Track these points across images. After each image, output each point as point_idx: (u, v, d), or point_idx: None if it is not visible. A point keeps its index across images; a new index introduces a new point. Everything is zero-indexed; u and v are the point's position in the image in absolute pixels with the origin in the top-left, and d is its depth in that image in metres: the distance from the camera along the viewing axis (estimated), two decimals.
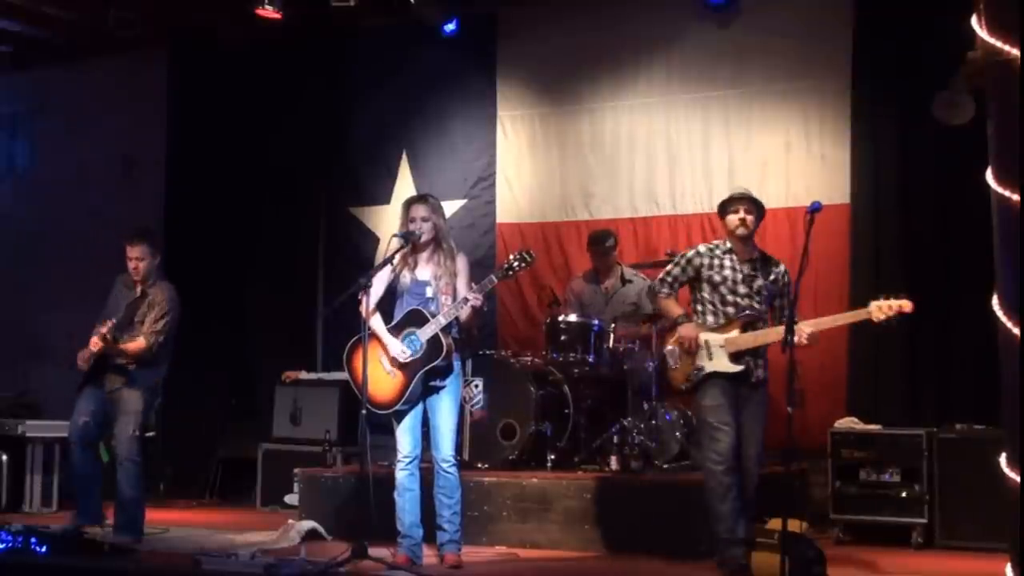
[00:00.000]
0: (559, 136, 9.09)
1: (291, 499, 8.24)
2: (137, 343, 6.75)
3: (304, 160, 9.92)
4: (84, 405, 6.86)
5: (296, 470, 7.99)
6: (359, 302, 5.84)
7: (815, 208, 5.32)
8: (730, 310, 5.85)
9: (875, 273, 7.80)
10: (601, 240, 7.98)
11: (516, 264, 5.93)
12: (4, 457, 8.60)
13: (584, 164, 8.96)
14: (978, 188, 4.61)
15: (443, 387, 5.94)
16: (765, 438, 5.83)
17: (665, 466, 7.21)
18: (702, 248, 6.01)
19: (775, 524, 5.23)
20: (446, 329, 5.86)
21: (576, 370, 7.53)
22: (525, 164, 9.21)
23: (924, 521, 6.92)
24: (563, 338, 7.52)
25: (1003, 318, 4.33)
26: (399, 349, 5.85)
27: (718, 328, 5.84)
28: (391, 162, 9.66)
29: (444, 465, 5.91)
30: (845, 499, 7.13)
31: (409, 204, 6.06)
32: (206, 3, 9.41)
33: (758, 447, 5.79)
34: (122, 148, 10.54)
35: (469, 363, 7.52)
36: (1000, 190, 4.37)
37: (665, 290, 6.02)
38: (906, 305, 5.49)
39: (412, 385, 5.85)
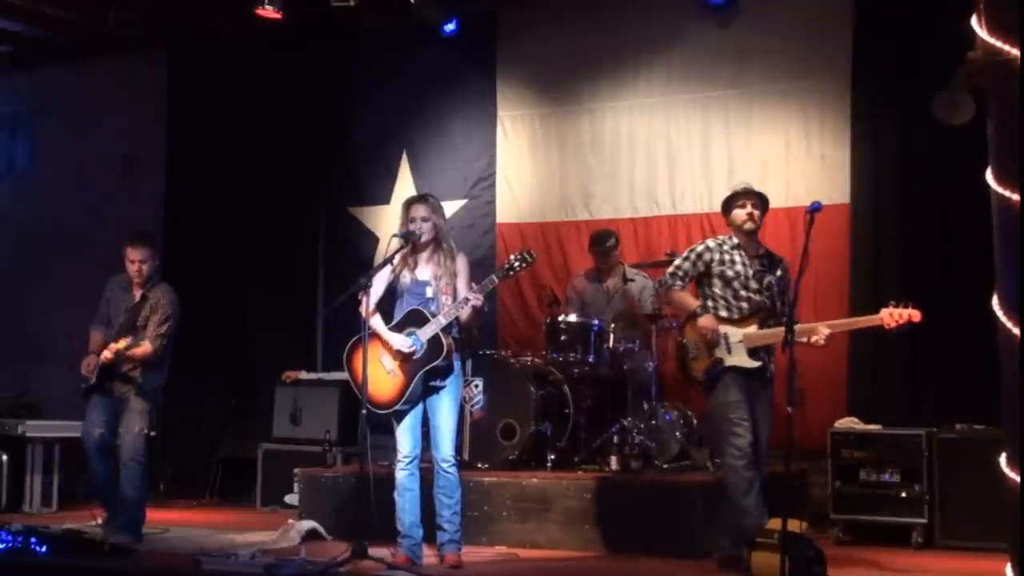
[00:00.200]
0: (559, 136, 9.09)
1: (291, 499, 8.24)
2: (143, 348, 6.75)
3: (304, 160, 9.93)
4: (96, 416, 6.86)
5: (296, 470, 7.99)
6: (359, 302, 5.83)
7: (815, 208, 5.32)
8: (744, 305, 5.85)
9: (875, 273, 7.81)
10: (602, 240, 7.99)
11: (517, 264, 5.92)
12: (4, 457, 8.60)
13: (584, 164, 8.97)
14: (978, 188, 4.61)
15: (443, 387, 5.93)
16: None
17: (665, 466, 7.21)
18: (711, 243, 5.99)
19: (775, 524, 5.23)
20: (446, 329, 5.86)
21: (576, 370, 7.54)
22: (525, 164, 9.21)
23: (924, 521, 6.92)
24: (563, 338, 7.52)
25: (1003, 318, 4.33)
26: (401, 340, 5.84)
27: (734, 322, 5.84)
28: (391, 162, 9.66)
29: (444, 465, 5.91)
30: (845, 499, 7.13)
31: (409, 204, 6.06)
32: (206, 3, 9.40)
33: (767, 443, 5.82)
34: (122, 148, 10.54)
35: (469, 363, 7.53)
36: (1000, 190, 4.37)
37: (678, 283, 6.00)
38: (915, 315, 5.54)
39: (412, 385, 5.85)
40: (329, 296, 9.46)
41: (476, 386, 7.58)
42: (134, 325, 6.80)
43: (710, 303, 5.91)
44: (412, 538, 5.93)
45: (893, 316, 5.54)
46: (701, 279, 5.98)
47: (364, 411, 5.75)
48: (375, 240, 9.52)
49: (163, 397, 7.08)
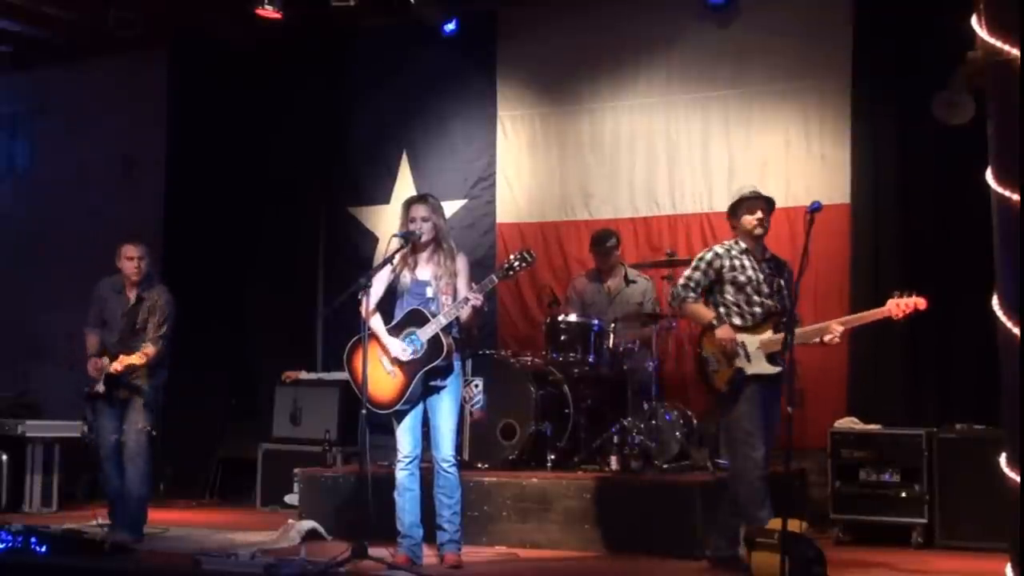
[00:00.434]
0: (559, 136, 9.09)
1: (291, 499, 8.24)
2: (146, 350, 6.75)
3: (304, 160, 9.93)
4: (108, 423, 6.90)
5: (296, 470, 7.99)
6: (359, 302, 5.83)
7: (815, 208, 5.30)
8: (757, 310, 5.82)
9: (875, 273, 7.80)
10: (603, 240, 7.98)
11: (517, 264, 5.92)
12: (4, 457, 8.60)
13: (584, 164, 8.96)
14: (978, 188, 4.61)
15: (443, 387, 5.93)
16: None
17: (665, 466, 7.20)
18: (719, 249, 5.93)
19: (775, 524, 5.23)
20: (446, 329, 5.85)
21: (576, 370, 7.53)
22: (525, 164, 9.21)
23: (924, 521, 6.92)
24: (563, 338, 7.52)
25: (1003, 318, 4.33)
26: (399, 348, 5.85)
27: (748, 329, 5.80)
28: (391, 162, 9.66)
29: (444, 465, 5.91)
30: (845, 499, 7.13)
31: (409, 204, 6.06)
32: (206, 3, 9.40)
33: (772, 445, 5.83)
34: (122, 148, 10.53)
35: (469, 363, 7.52)
36: (1000, 190, 4.37)
37: (692, 295, 5.92)
38: (921, 302, 5.56)
39: (412, 385, 5.85)
40: (329, 296, 9.46)
41: (476, 386, 7.57)
42: (133, 328, 6.81)
43: (722, 310, 5.85)
44: (412, 538, 5.93)
45: (900, 306, 5.56)
46: (712, 287, 5.91)
47: (364, 411, 5.75)
48: (375, 240, 9.52)
49: (163, 397, 7.09)
